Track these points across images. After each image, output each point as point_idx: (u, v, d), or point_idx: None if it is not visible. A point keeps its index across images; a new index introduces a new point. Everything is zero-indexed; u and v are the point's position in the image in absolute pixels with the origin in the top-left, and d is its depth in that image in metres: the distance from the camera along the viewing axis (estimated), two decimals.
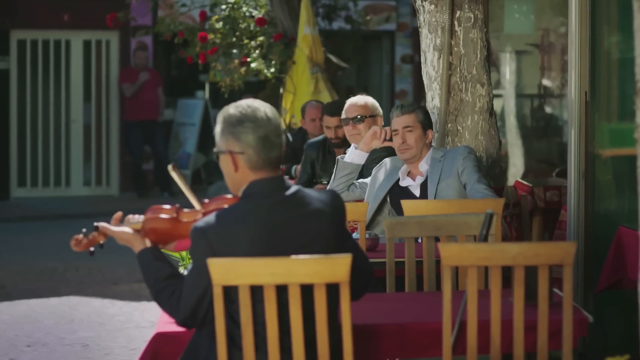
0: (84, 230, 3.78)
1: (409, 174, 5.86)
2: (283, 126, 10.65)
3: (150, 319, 7.79)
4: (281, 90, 11.22)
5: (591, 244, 5.90)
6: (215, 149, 3.60)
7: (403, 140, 5.75)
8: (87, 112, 16.11)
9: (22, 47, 15.78)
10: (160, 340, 3.79)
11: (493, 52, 10.68)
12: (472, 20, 6.49)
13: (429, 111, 6.12)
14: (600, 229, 5.86)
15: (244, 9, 11.07)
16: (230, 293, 3.45)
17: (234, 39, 10.93)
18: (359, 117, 6.52)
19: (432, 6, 6.52)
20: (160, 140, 15.68)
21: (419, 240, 4.99)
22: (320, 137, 7.68)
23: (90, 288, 9.11)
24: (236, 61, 10.89)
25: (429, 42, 6.58)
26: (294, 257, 3.41)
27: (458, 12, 6.49)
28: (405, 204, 5.26)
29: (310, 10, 11.02)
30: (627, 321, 5.36)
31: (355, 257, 3.48)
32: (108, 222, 3.83)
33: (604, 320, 5.87)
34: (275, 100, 11.24)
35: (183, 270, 4.49)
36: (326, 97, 10.43)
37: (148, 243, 3.69)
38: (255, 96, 12.04)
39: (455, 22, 6.49)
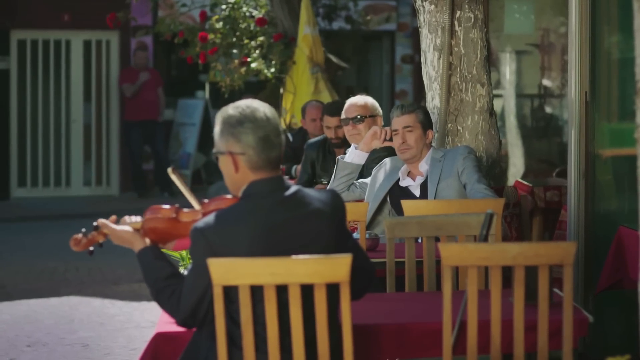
0: (83, 230, 3.78)
1: (409, 174, 5.86)
2: (283, 126, 10.66)
3: (150, 319, 7.79)
4: (281, 90, 11.22)
5: (591, 244, 5.90)
6: (214, 150, 3.60)
7: (403, 140, 5.75)
8: (87, 112, 16.12)
9: (22, 47, 15.78)
10: (160, 340, 3.79)
11: (493, 52, 10.69)
12: (472, 20, 6.49)
13: (429, 111, 6.12)
14: (600, 229, 5.86)
15: (244, 9, 11.07)
16: (231, 293, 3.45)
17: (234, 39, 10.94)
18: (358, 117, 6.52)
19: (432, 6, 6.52)
20: (161, 141, 15.69)
21: (419, 240, 4.99)
22: (320, 137, 7.68)
23: (91, 288, 9.11)
24: (236, 61, 10.89)
25: (429, 42, 6.58)
26: (294, 257, 3.41)
27: (458, 12, 6.49)
28: (406, 204, 5.26)
29: (311, 10, 11.02)
30: (628, 321, 5.36)
31: (355, 256, 3.48)
32: None
33: (604, 320, 5.87)
34: (275, 100, 11.24)
35: (183, 270, 4.49)
36: (326, 97, 10.43)
37: (148, 242, 3.70)
38: (256, 96, 12.04)
39: (456, 22, 6.49)
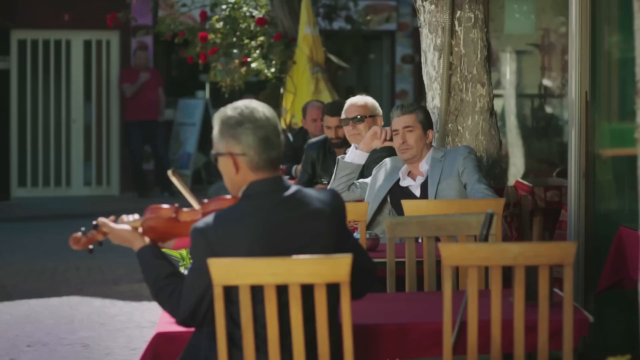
0: (82, 228, 3.78)
1: (409, 174, 5.86)
2: (283, 126, 10.67)
3: (150, 319, 7.79)
4: (282, 90, 11.22)
5: (592, 244, 5.90)
6: (213, 152, 3.59)
7: (403, 140, 5.75)
8: (87, 112, 16.12)
9: (23, 47, 15.79)
10: (160, 340, 3.79)
11: (493, 52, 10.69)
12: (473, 20, 6.49)
13: (430, 111, 6.12)
14: (600, 229, 5.86)
15: (245, 9, 11.07)
16: (231, 294, 3.45)
17: (235, 39, 10.93)
18: (358, 117, 6.52)
19: (433, 6, 6.52)
20: (161, 140, 15.69)
21: (420, 240, 4.99)
22: (320, 137, 7.68)
23: (91, 288, 9.11)
24: (237, 61, 10.89)
25: (429, 42, 6.58)
26: (294, 257, 3.41)
27: (458, 12, 6.49)
28: (406, 204, 5.26)
29: (311, 10, 11.02)
30: (628, 321, 5.35)
31: (356, 256, 3.48)
32: None
33: (605, 320, 5.87)
34: (275, 100, 11.25)
35: (183, 270, 4.49)
36: (326, 97, 10.43)
37: (147, 241, 3.69)
38: (256, 96, 12.05)
39: (456, 22, 6.49)
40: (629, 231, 5.10)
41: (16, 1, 15.54)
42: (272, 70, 10.82)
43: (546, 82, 11.65)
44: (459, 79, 6.49)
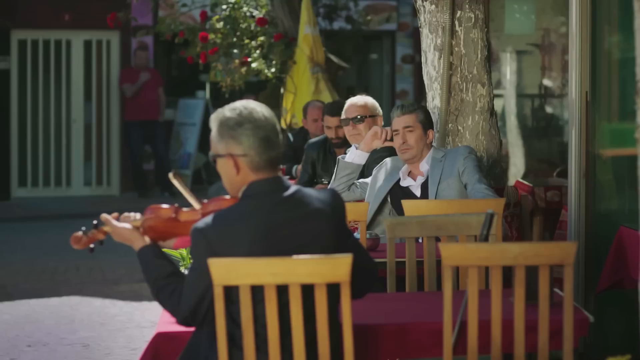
0: (83, 228, 3.78)
1: (409, 174, 5.86)
2: (283, 126, 10.67)
3: (151, 318, 7.79)
4: (282, 90, 11.22)
5: (592, 244, 5.90)
6: (212, 153, 3.59)
7: (404, 140, 5.75)
8: (87, 112, 16.12)
9: (23, 47, 15.79)
10: (161, 340, 3.79)
11: (494, 52, 10.69)
12: (473, 20, 6.49)
13: (430, 111, 6.12)
14: (601, 229, 5.86)
15: (245, 9, 11.07)
16: (231, 294, 3.45)
17: (235, 39, 10.94)
18: (358, 117, 6.52)
19: (433, 6, 6.52)
20: (161, 140, 15.69)
21: (420, 240, 4.99)
22: (321, 137, 7.68)
23: (91, 288, 9.11)
24: (237, 61, 10.90)
25: (429, 42, 6.58)
26: (294, 257, 3.41)
27: (459, 12, 6.49)
28: (406, 204, 5.26)
29: (311, 10, 11.02)
30: (628, 321, 5.35)
31: (356, 255, 3.48)
32: None
33: (605, 320, 5.87)
34: (276, 100, 11.25)
35: (184, 270, 4.49)
36: (327, 97, 10.43)
37: (148, 240, 3.69)
38: (256, 96, 12.06)
39: (456, 22, 6.49)
40: (629, 231, 5.10)
41: (16, 1, 15.54)
42: (273, 70, 10.83)
43: (546, 82, 11.65)
44: (459, 79, 6.49)
